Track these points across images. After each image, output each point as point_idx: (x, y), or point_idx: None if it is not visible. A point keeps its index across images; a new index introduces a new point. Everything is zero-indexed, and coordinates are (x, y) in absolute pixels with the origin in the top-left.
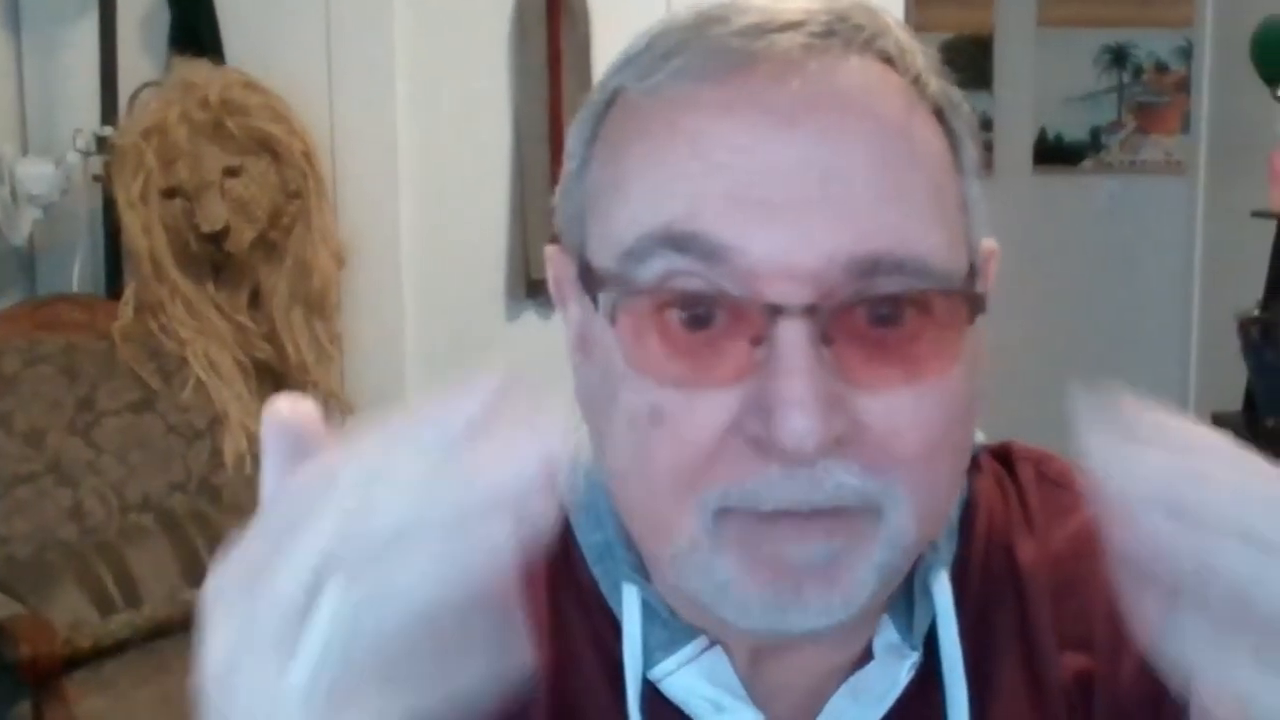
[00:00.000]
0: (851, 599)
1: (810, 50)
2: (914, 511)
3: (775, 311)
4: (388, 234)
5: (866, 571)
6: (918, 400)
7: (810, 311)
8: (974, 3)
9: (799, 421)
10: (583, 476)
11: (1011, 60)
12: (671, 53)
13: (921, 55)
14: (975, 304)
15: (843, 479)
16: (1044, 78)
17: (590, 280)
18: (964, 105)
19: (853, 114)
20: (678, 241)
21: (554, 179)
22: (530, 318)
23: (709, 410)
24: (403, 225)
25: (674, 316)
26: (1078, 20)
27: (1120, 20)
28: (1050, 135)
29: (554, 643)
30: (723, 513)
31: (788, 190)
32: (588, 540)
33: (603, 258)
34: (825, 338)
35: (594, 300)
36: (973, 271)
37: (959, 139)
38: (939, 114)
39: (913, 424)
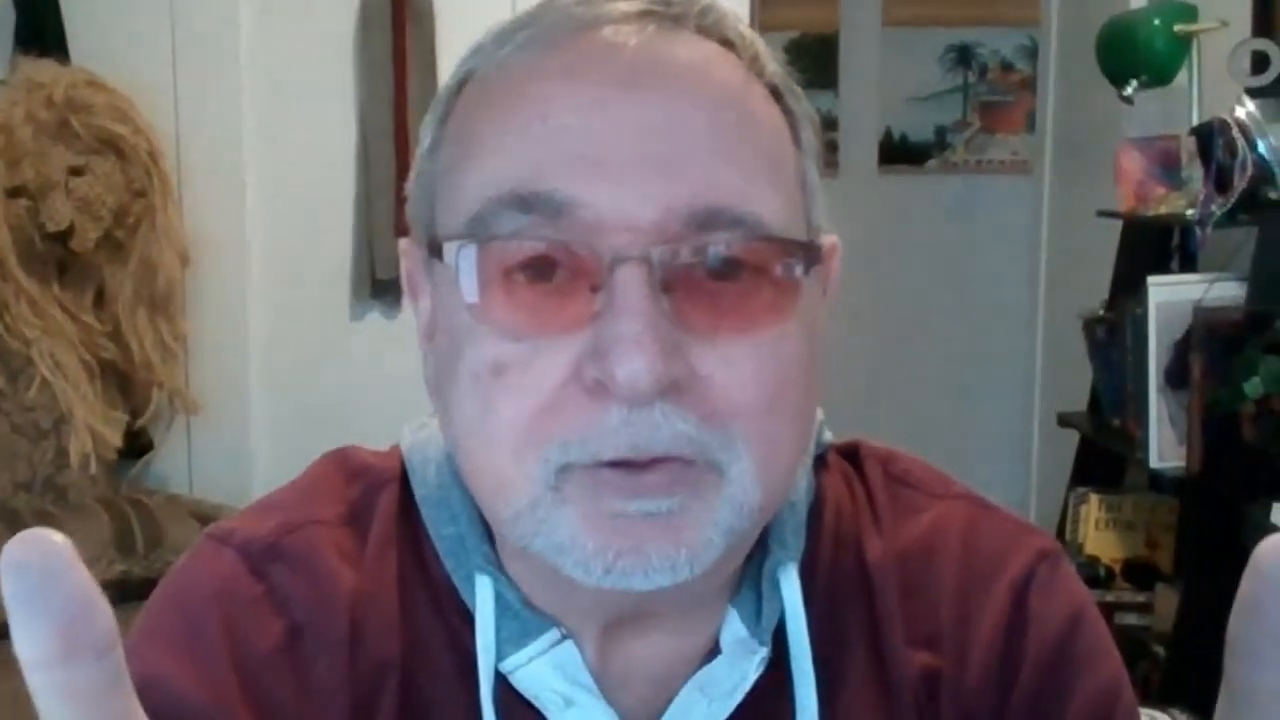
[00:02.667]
0: (697, 555)
1: (649, 18)
2: (755, 470)
3: (614, 258)
4: (233, 233)
5: (711, 529)
6: (754, 352)
7: (647, 258)
8: (819, 2)
9: (636, 360)
10: (434, 471)
11: (857, 60)
12: (518, 27)
13: (759, 43)
14: (810, 255)
15: (680, 427)
16: (889, 77)
17: (438, 246)
18: (802, 95)
19: (690, 78)
20: (524, 202)
21: (399, 177)
22: (375, 317)
23: (550, 359)
24: (248, 225)
25: (518, 270)
26: (922, 20)
27: (965, 19)
28: (895, 135)
29: (405, 637)
30: (564, 470)
31: (629, 148)
32: (440, 534)
33: (451, 224)
34: (663, 284)
35: (440, 259)
36: (811, 244)
37: (797, 119)
38: (776, 94)
39: (749, 376)
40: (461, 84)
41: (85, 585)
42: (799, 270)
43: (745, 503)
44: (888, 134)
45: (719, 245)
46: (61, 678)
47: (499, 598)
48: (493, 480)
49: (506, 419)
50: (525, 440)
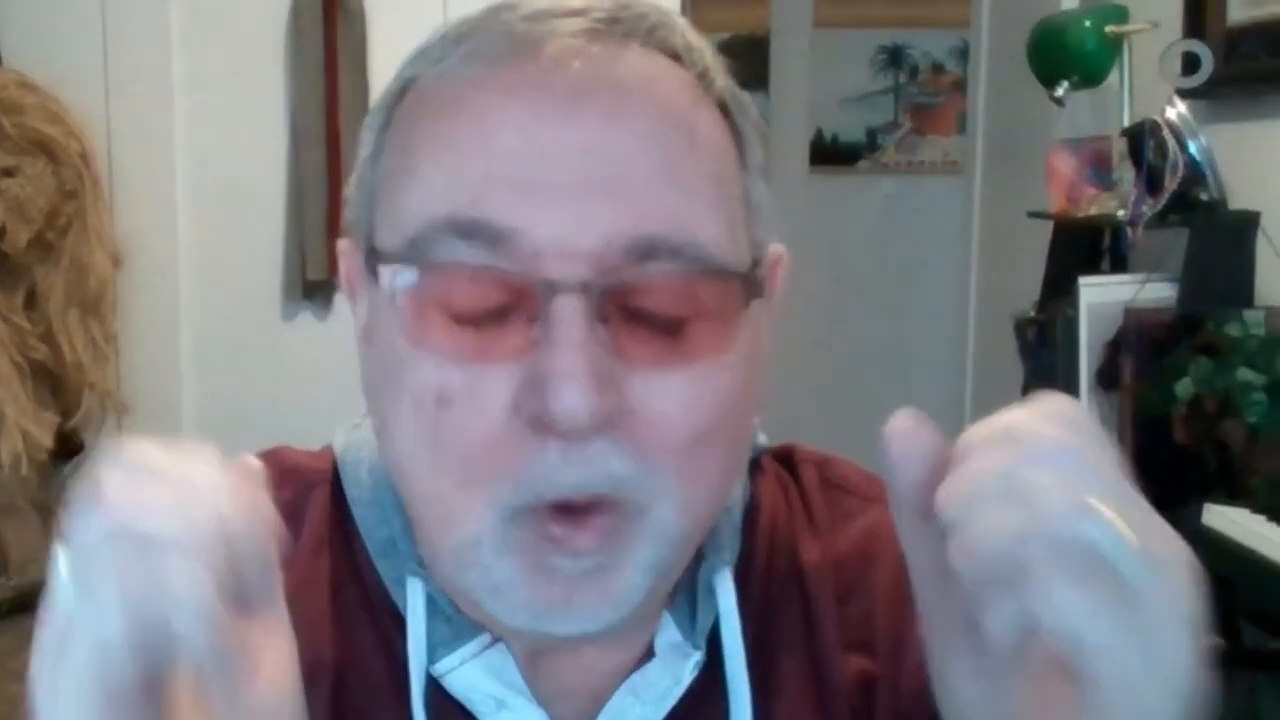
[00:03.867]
0: (621, 602)
1: (594, 35)
2: (680, 503)
3: (551, 288)
4: (164, 235)
5: (635, 573)
6: (690, 385)
7: (585, 288)
8: (750, 2)
9: (572, 394)
10: (367, 472)
11: (788, 60)
12: (462, 38)
13: (709, 54)
14: (750, 289)
15: (615, 467)
16: (820, 78)
17: (376, 263)
18: (751, 107)
19: (634, 99)
20: (462, 228)
21: (331, 178)
22: (306, 318)
23: (492, 390)
24: (179, 226)
25: (456, 296)
26: (853, 21)
27: (896, 21)
28: (826, 136)
29: (336, 639)
30: (512, 513)
31: (568, 173)
32: (373, 536)
33: (390, 241)
34: (600, 315)
35: (375, 280)
36: (755, 265)
37: (744, 137)
38: (724, 110)
39: (684, 408)
40: (403, 91)
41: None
42: (739, 304)
43: (669, 537)
44: (819, 135)
45: (657, 278)
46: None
47: (431, 601)
48: (437, 512)
49: (455, 454)
50: (471, 477)
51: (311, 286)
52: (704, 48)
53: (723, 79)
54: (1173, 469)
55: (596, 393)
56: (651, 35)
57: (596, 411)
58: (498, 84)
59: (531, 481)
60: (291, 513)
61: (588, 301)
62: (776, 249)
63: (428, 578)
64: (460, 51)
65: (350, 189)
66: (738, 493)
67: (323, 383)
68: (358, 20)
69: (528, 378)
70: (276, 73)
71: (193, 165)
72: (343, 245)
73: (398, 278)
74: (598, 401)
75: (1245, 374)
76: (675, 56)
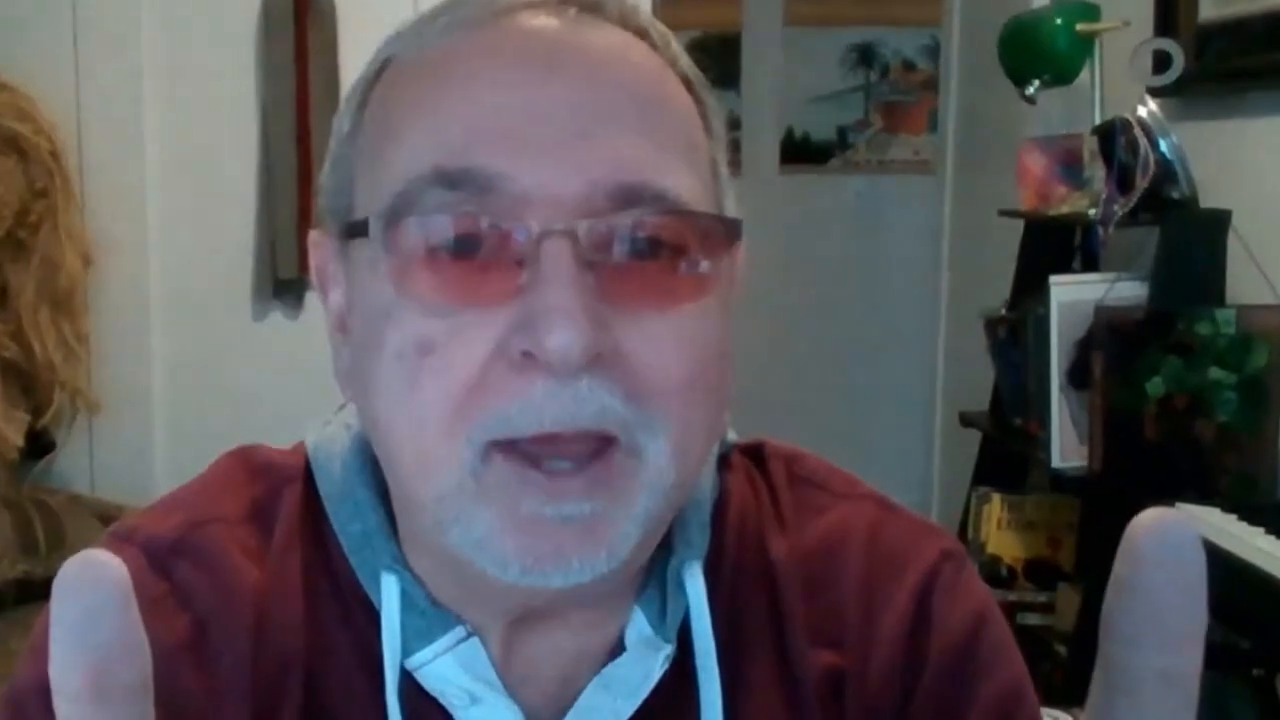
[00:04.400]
0: (615, 551)
1: (566, 7)
2: (672, 449)
3: (542, 234)
4: (135, 233)
5: (628, 523)
6: (675, 330)
7: (573, 233)
8: (721, 1)
9: (564, 328)
10: (340, 468)
11: (758, 59)
12: (437, 14)
13: (672, 38)
14: (730, 230)
15: (606, 400)
16: (791, 77)
17: (356, 233)
18: (708, 87)
19: (610, 60)
20: (449, 178)
21: (302, 177)
22: (277, 317)
23: (476, 335)
24: (150, 224)
25: (442, 247)
26: (824, 19)
27: (867, 19)
28: (797, 134)
29: (309, 633)
30: (489, 450)
31: (553, 125)
32: (346, 531)
33: (374, 204)
34: (588, 263)
35: (361, 237)
36: (731, 220)
37: (708, 109)
38: (688, 84)
39: (670, 354)
40: (380, 71)
41: (130, 627)
42: (719, 246)
43: (661, 484)
44: (789, 133)
45: (642, 222)
46: (86, 713)
47: (404, 595)
48: (416, 460)
49: (433, 397)
50: (452, 419)
51: (282, 285)
52: (666, 31)
53: (684, 59)
54: (1144, 467)
55: (589, 327)
56: (622, 19)
57: (590, 346)
58: (477, 48)
59: (513, 416)
60: (263, 510)
61: (575, 245)
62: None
63: (401, 572)
64: (436, 26)
65: (323, 176)
66: (707, 486)
67: (293, 381)
68: (328, 20)
69: (515, 320)
70: (247, 72)
71: (164, 164)
72: (314, 237)
73: (384, 228)
74: (591, 336)
75: (1216, 373)
76: (641, 32)
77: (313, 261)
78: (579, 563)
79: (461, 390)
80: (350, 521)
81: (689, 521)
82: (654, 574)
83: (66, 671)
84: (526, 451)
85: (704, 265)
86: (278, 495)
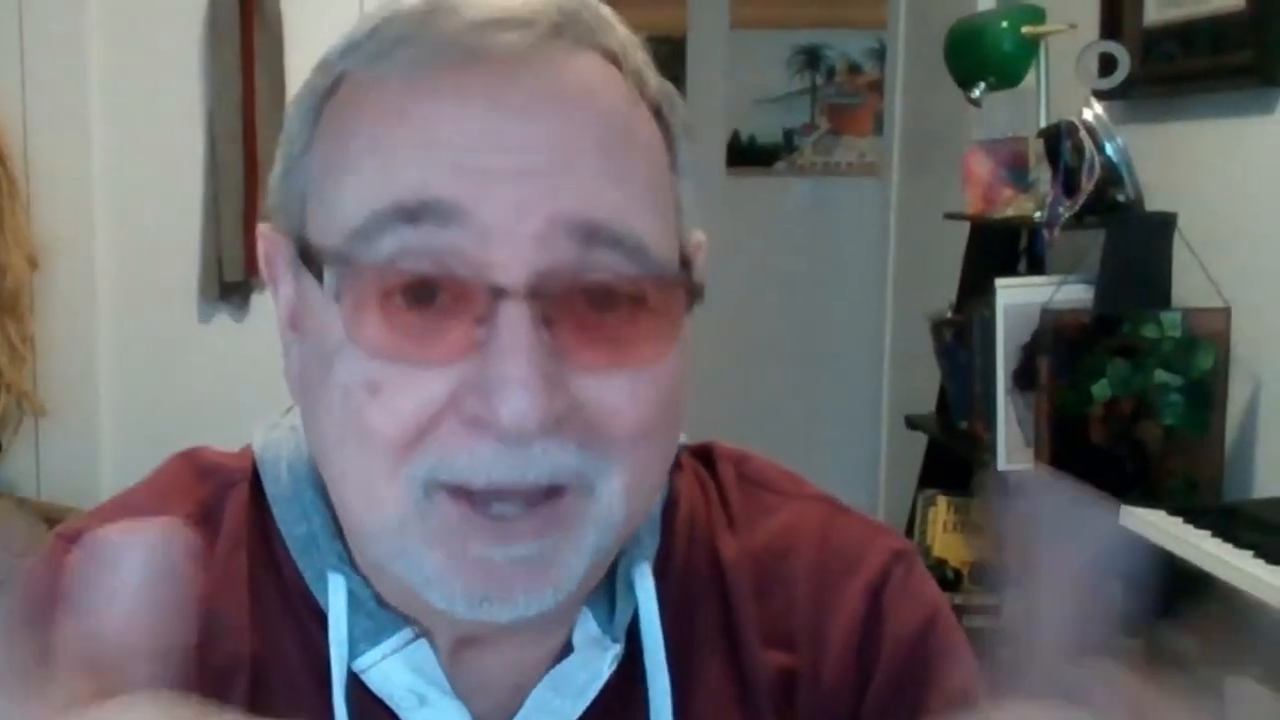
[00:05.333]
0: (562, 586)
1: (539, 49)
2: (625, 488)
3: (499, 293)
4: (81, 235)
5: (576, 558)
6: (634, 383)
7: (532, 294)
8: (666, 3)
9: (521, 400)
10: (286, 470)
11: (704, 62)
12: (401, 41)
13: (641, 52)
14: (692, 292)
15: (559, 458)
16: (737, 79)
17: (312, 258)
18: (679, 103)
19: (578, 106)
20: (409, 213)
21: (248, 181)
22: (223, 319)
23: (428, 384)
24: (97, 227)
25: (399, 295)
26: (770, 22)
27: (813, 21)
28: (744, 137)
29: (255, 636)
30: (433, 488)
31: (514, 162)
32: (292, 533)
33: (328, 236)
34: (546, 320)
35: (318, 277)
36: (685, 264)
37: (675, 138)
38: (657, 112)
39: (629, 405)
40: (335, 85)
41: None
42: (681, 307)
43: (612, 521)
44: (735, 136)
45: (601, 276)
46: (141, 670)
47: (352, 596)
48: (361, 491)
49: (379, 433)
50: (399, 455)
51: (229, 287)
52: (635, 44)
53: (655, 78)
54: (1089, 470)
55: (545, 397)
56: (594, 42)
57: (545, 417)
58: (442, 87)
59: (461, 467)
60: (210, 511)
61: (534, 307)
62: (697, 236)
63: (349, 573)
64: (400, 57)
65: (274, 178)
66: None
67: (240, 383)
68: (274, 23)
69: (470, 379)
70: (193, 75)
71: (109, 166)
72: (262, 229)
73: (340, 277)
74: (546, 407)
75: (1162, 375)
76: (614, 60)
77: (261, 252)
78: (525, 599)
79: (409, 432)
80: (296, 523)
81: (641, 539)
82: (603, 574)
83: (128, 629)
84: (472, 496)
85: (663, 321)
86: (224, 497)
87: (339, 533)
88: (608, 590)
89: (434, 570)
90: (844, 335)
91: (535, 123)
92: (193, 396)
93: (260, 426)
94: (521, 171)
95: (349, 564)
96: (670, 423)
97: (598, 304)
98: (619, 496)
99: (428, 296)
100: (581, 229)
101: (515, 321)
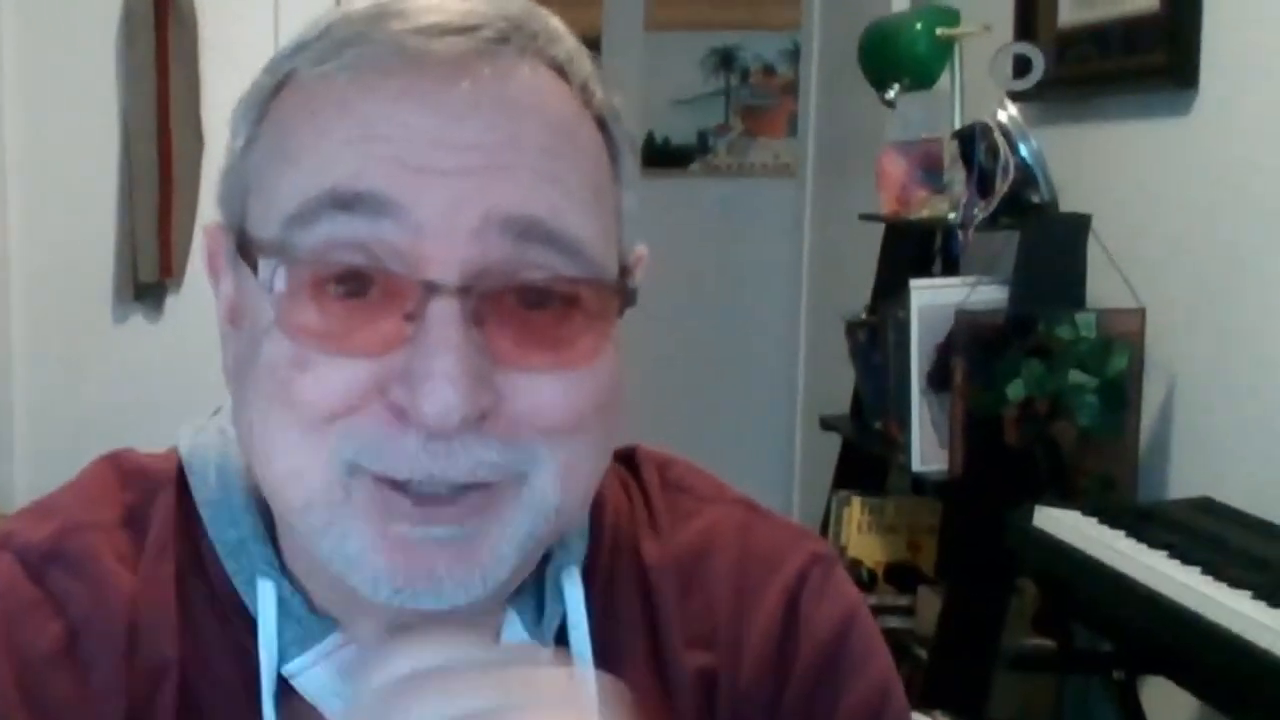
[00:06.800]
0: (489, 574)
1: (483, 55)
2: (558, 477)
3: (430, 289)
4: None
5: (504, 544)
6: (565, 381)
7: (464, 291)
8: (580, 4)
9: (446, 395)
10: (215, 473)
11: (618, 63)
12: (348, 42)
13: (588, 62)
14: (625, 298)
15: (481, 455)
16: (651, 81)
17: (249, 249)
18: (624, 118)
19: (520, 110)
20: (343, 200)
21: (163, 182)
22: (138, 320)
23: (356, 369)
24: (10, 227)
25: (331, 282)
26: (685, 23)
27: (728, 23)
28: (658, 138)
29: (184, 640)
30: (356, 469)
31: (453, 158)
32: (221, 537)
33: (265, 227)
34: (477, 317)
35: (253, 267)
36: (624, 272)
37: (619, 150)
38: (602, 124)
39: (560, 402)
40: (280, 85)
41: None
42: (614, 313)
43: (544, 507)
44: (650, 137)
45: (534, 275)
46: None
47: (281, 601)
48: (285, 465)
49: (304, 408)
50: (322, 429)
51: (143, 288)
52: (583, 55)
53: (600, 90)
54: (1003, 470)
55: (470, 394)
56: (540, 52)
57: (469, 413)
58: (384, 88)
59: (384, 454)
60: (136, 516)
61: (465, 304)
62: (640, 249)
63: (278, 578)
64: (345, 57)
65: (221, 175)
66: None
67: (157, 384)
68: (189, 24)
69: (397, 369)
70: (107, 75)
71: (22, 167)
72: (208, 226)
73: (275, 265)
74: (471, 404)
75: (1077, 376)
76: (560, 70)
77: (206, 248)
78: (452, 585)
79: (334, 406)
80: (226, 528)
81: (570, 543)
82: (530, 578)
83: None
84: (395, 483)
85: (595, 322)
86: (151, 501)
87: (270, 538)
88: (535, 593)
89: (357, 549)
90: (758, 336)
91: (475, 124)
92: (109, 398)
93: (185, 429)
94: (458, 169)
95: (279, 569)
96: (605, 420)
97: (531, 302)
98: (552, 485)
99: (360, 288)
100: (517, 225)
101: (445, 317)
